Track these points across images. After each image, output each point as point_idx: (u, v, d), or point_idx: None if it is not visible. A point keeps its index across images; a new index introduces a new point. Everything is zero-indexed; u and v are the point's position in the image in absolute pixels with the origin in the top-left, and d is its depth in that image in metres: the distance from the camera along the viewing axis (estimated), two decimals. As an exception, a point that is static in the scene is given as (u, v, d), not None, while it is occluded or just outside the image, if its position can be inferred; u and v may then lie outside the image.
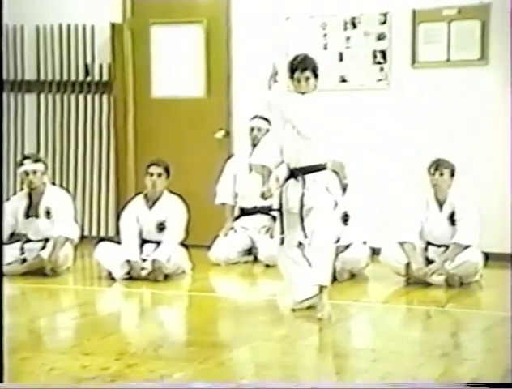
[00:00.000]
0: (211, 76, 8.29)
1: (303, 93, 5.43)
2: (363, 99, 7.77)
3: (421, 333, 5.37)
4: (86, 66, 8.68)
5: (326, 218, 5.46)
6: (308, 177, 5.44)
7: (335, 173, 6.53)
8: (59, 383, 4.11)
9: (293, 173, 5.49)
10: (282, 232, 5.57)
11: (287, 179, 5.53)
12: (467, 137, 7.49)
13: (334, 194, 5.56)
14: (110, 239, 7.48)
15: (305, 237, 5.48)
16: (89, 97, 8.72)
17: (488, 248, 6.75)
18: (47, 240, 7.01)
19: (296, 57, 5.49)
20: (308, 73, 5.38)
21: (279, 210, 5.57)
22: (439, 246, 6.57)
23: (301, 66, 5.39)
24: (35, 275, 6.83)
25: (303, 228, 5.46)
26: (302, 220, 5.45)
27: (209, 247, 7.54)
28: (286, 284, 5.72)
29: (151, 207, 6.98)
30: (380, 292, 6.52)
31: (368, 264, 6.92)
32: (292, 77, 5.44)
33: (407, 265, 6.51)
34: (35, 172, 7.05)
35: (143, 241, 6.93)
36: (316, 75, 5.44)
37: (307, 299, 5.54)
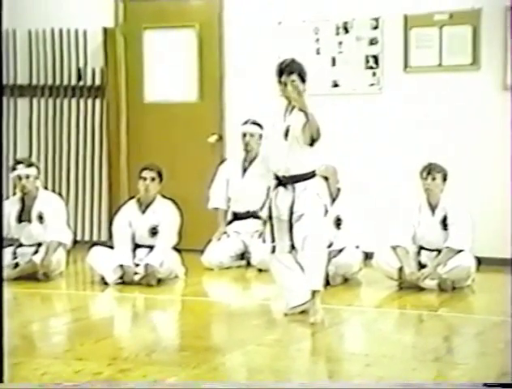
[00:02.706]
0: (203, 80, 8.30)
1: (289, 99, 5.41)
2: (355, 103, 7.79)
3: (414, 337, 5.38)
4: (78, 70, 8.68)
5: (317, 223, 5.46)
6: (298, 185, 5.44)
7: (325, 178, 6.55)
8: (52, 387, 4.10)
9: (282, 181, 5.49)
10: (273, 241, 5.57)
11: (275, 186, 5.53)
12: (460, 141, 7.51)
13: (324, 200, 5.57)
14: (103, 244, 7.48)
15: (293, 245, 5.48)
16: (81, 102, 8.72)
17: (480, 252, 6.77)
18: (39, 244, 7.00)
19: (283, 61, 5.50)
20: (294, 76, 5.38)
21: (269, 217, 5.57)
22: (432, 251, 6.58)
23: (287, 69, 5.40)
24: (27, 280, 6.82)
25: (291, 236, 5.47)
26: (291, 227, 5.46)
27: (202, 252, 7.55)
28: (279, 289, 5.72)
29: (143, 212, 6.98)
30: (373, 297, 6.53)
31: (361, 269, 6.93)
32: (279, 81, 5.45)
33: (400, 269, 6.52)
34: (28, 176, 7.04)
35: (136, 246, 6.93)
36: (303, 80, 5.43)
37: (300, 305, 5.54)
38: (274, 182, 5.53)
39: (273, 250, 5.57)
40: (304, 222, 5.42)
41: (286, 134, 5.42)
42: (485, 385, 4.01)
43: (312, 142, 5.35)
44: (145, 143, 8.47)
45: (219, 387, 4.11)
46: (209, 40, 8.24)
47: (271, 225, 5.56)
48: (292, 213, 5.44)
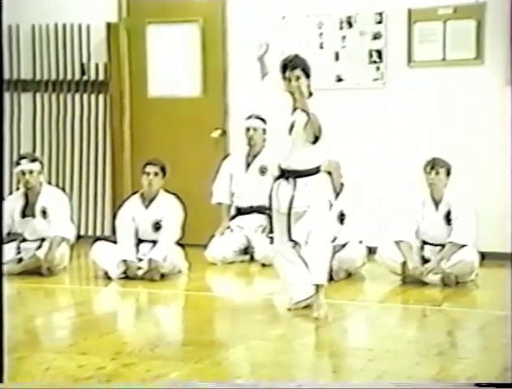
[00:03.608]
0: (207, 75, 8.29)
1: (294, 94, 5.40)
2: (359, 98, 7.78)
3: (417, 332, 5.38)
4: (82, 65, 8.68)
5: (321, 218, 5.46)
6: (299, 180, 5.44)
7: (328, 173, 6.55)
8: (56, 383, 4.11)
9: (284, 174, 5.48)
10: (270, 231, 5.59)
11: (278, 178, 5.53)
12: (463, 136, 7.50)
13: (328, 195, 5.58)
14: (106, 238, 7.48)
15: (291, 239, 5.48)
16: (85, 97, 8.72)
17: (483, 247, 6.76)
18: (43, 239, 7.01)
19: (287, 57, 5.51)
20: (298, 72, 5.38)
21: (270, 208, 5.57)
22: (435, 245, 6.57)
23: (291, 64, 5.40)
24: (31, 275, 6.83)
25: (289, 231, 5.46)
26: (289, 222, 5.45)
27: (205, 246, 7.54)
28: (283, 283, 5.72)
29: (147, 207, 6.98)
30: (376, 292, 6.53)
31: (364, 263, 6.92)
32: (283, 77, 5.45)
33: (404, 264, 6.51)
34: (31, 171, 7.04)
35: (139, 241, 6.93)
36: (307, 75, 5.42)
37: (304, 299, 5.54)
38: (277, 173, 5.53)
39: (271, 241, 5.58)
40: (308, 217, 5.42)
41: (290, 130, 5.42)
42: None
43: (315, 140, 5.35)
44: (148, 138, 8.46)
45: (216, 387, 4.10)
46: (212, 35, 8.23)
47: (271, 216, 5.57)
48: (290, 208, 5.44)
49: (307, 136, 5.35)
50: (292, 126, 5.42)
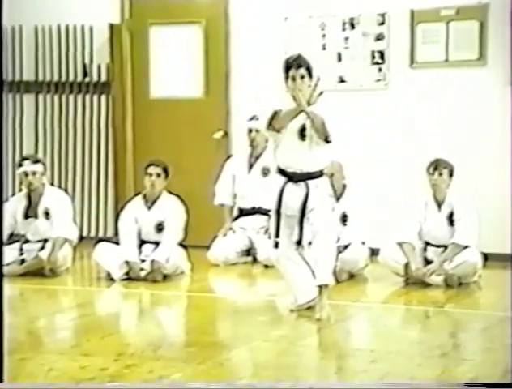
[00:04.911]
0: (209, 76, 8.29)
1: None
2: (361, 99, 7.78)
3: (420, 333, 5.38)
4: (84, 66, 8.68)
5: (327, 219, 5.46)
6: (311, 182, 5.43)
7: (331, 175, 6.56)
8: (58, 384, 4.11)
9: (293, 177, 5.47)
10: (276, 236, 5.54)
11: (285, 182, 5.50)
12: (466, 137, 7.49)
13: (330, 197, 5.59)
14: (109, 240, 7.48)
15: (300, 240, 5.47)
16: (87, 98, 8.72)
17: (486, 248, 6.75)
18: (46, 241, 7.01)
19: (290, 57, 5.49)
20: (302, 70, 5.36)
21: (277, 212, 5.54)
22: (438, 246, 6.57)
23: (296, 63, 5.38)
24: (34, 276, 6.83)
25: (301, 233, 5.45)
26: (301, 224, 5.44)
27: (208, 248, 7.55)
28: (287, 285, 5.71)
29: (149, 208, 6.98)
30: (379, 293, 6.53)
31: (367, 264, 6.92)
32: (286, 76, 5.42)
33: (406, 265, 6.51)
34: (34, 173, 7.04)
35: (142, 242, 6.93)
36: (310, 75, 5.42)
37: (308, 301, 5.53)
38: (282, 178, 5.49)
39: (276, 245, 5.54)
40: (314, 218, 5.41)
41: (301, 132, 5.39)
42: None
43: (326, 138, 5.34)
44: (151, 139, 8.47)
45: (213, 387, 4.10)
46: (215, 36, 8.23)
47: (278, 220, 5.53)
48: (304, 209, 5.41)
49: (319, 135, 5.35)
50: (302, 129, 5.40)
